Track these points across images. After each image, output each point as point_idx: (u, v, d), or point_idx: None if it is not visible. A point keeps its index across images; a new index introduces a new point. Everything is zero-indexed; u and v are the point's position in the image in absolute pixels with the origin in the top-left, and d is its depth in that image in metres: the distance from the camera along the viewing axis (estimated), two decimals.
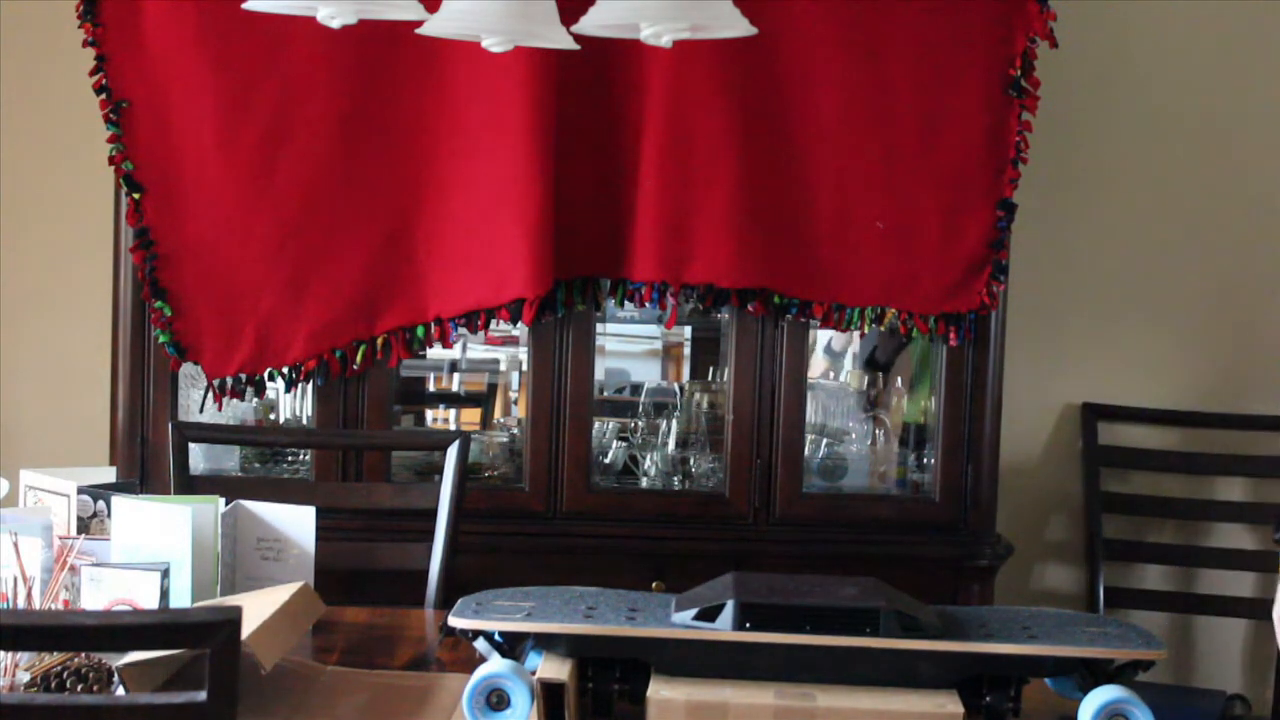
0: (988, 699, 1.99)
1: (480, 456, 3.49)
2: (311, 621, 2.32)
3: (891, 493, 3.53)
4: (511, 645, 2.02)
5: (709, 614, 1.98)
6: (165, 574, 2.17)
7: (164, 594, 2.17)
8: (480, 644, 2.03)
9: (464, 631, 2.03)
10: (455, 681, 2.17)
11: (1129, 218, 3.89)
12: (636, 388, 3.82)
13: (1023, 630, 2.02)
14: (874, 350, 3.63)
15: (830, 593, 2.01)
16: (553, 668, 1.95)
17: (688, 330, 3.91)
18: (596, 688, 2.00)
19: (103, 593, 2.17)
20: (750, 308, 3.30)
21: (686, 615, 1.99)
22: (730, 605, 1.96)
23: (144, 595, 2.16)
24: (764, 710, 1.91)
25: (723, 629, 1.97)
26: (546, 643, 2.00)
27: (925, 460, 3.50)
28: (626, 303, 3.37)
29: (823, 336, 3.65)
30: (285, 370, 3.28)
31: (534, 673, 1.96)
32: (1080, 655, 1.98)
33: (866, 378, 3.69)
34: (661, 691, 1.93)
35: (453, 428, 3.85)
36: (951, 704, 1.92)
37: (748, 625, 1.96)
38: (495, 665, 1.95)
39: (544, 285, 3.21)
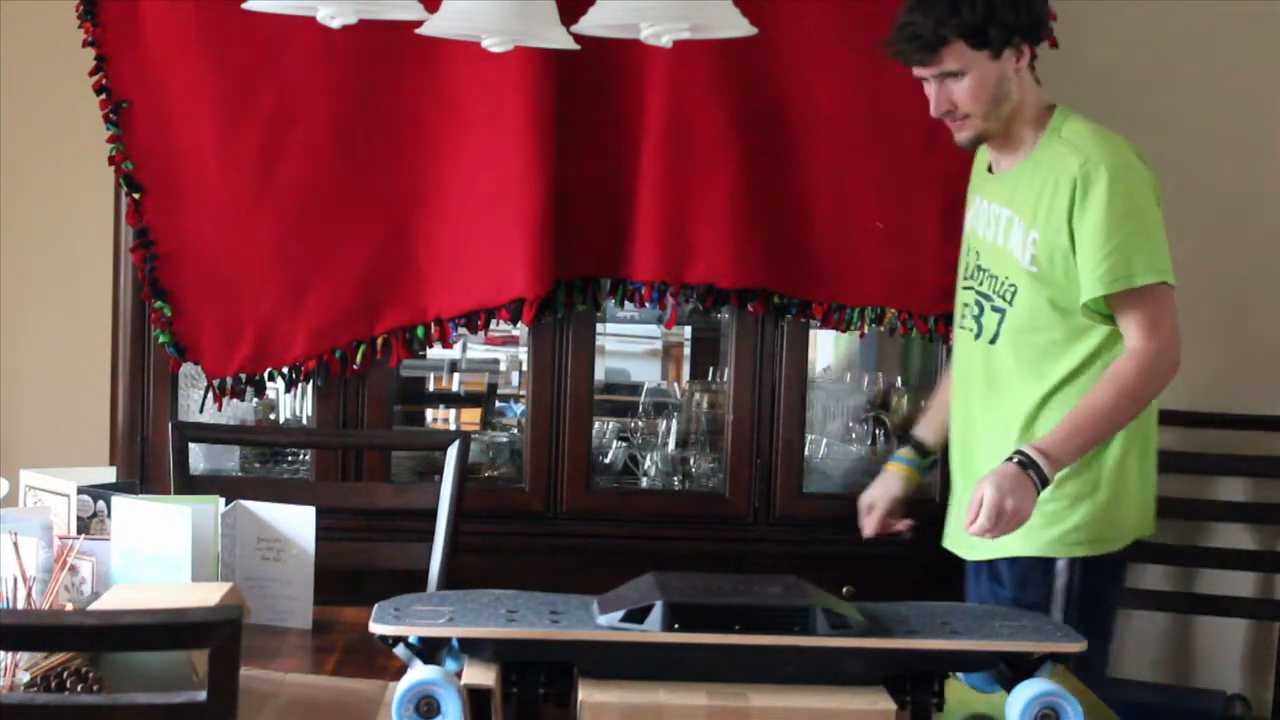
0: (911, 695, 1.99)
1: (480, 456, 3.49)
2: None
3: None
4: (432, 651, 1.97)
5: (636, 615, 1.96)
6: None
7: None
8: (401, 650, 1.98)
9: (384, 638, 1.98)
10: (374, 689, 2.13)
11: None
12: (636, 388, 3.82)
13: (942, 625, 2.03)
14: None
15: (757, 592, 2.00)
16: (477, 673, 1.93)
17: (688, 330, 3.91)
18: (522, 693, 1.98)
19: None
20: (750, 308, 3.30)
21: (613, 617, 1.97)
22: (659, 606, 1.94)
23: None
24: (698, 711, 1.89)
25: (652, 630, 1.95)
26: (471, 648, 1.96)
27: None
28: (626, 303, 3.37)
29: (823, 337, 3.64)
30: (285, 370, 3.28)
31: (459, 674, 1.94)
32: (1005, 650, 2.00)
33: (866, 377, 3.69)
34: (595, 695, 1.90)
35: (453, 428, 3.85)
36: (884, 701, 1.93)
37: (676, 626, 1.95)
38: (424, 672, 1.90)
39: (544, 285, 3.21)
